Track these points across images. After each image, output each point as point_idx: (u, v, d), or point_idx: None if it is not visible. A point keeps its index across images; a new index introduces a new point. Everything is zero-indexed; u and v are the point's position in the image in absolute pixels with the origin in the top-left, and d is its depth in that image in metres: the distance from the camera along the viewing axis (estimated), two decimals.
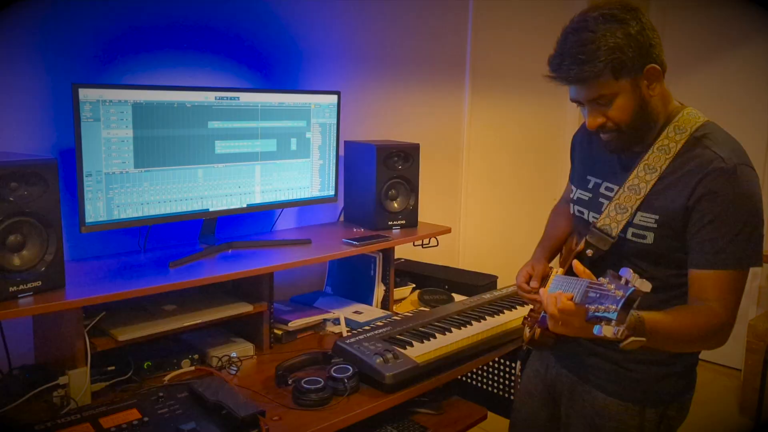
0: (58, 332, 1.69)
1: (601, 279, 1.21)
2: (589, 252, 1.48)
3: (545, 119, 3.60)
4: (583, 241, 1.51)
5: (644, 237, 1.42)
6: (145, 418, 1.50)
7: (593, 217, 1.55)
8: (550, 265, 1.75)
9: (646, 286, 1.15)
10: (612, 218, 1.46)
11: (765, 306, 3.95)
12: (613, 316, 1.13)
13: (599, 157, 1.58)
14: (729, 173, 1.33)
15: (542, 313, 1.60)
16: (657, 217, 1.41)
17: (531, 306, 1.77)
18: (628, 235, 1.45)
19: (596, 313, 1.17)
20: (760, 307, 3.98)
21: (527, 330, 1.75)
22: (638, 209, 1.42)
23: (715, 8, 4.11)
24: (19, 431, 1.44)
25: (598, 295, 1.19)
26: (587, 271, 1.31)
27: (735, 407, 3.67)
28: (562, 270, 1.61)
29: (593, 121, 1.41)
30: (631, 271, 1.17)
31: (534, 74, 3.52)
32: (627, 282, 1.15)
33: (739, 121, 4.01)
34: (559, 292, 1.30)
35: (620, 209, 1.44)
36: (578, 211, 1.62)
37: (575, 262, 1.33)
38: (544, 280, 1.66)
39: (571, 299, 1.26)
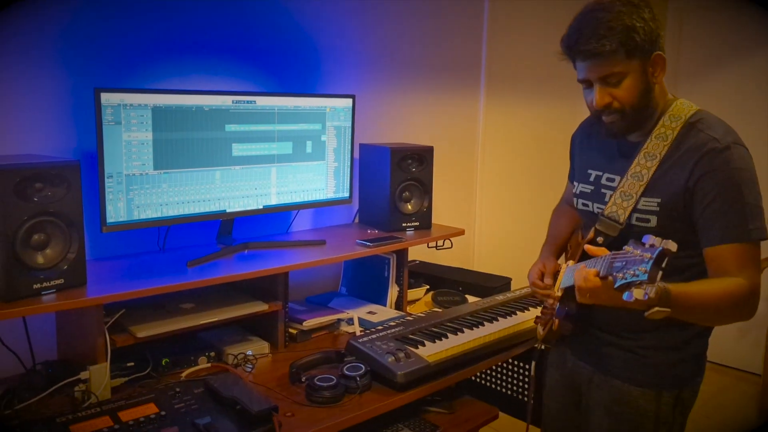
0: (80, 329, 1.75)
1: (625, 248, 1.25)
2: (600, 239, 1.54)
3: (560, 122, 3.60)
4: (593, 229, 1.56)
5: (648, 221, 1.48)
6: (162, 412, 1.54)
7: (597, 207, 1.61)
8: (558, 261, 1.79)
9: (672, 246, 1.18)
10: (618, 205, 1.52)
11: None
12: (644, 277, 1.17)
13: (598, 150, 1.66)
14: (724, 151, 1.40)
15: (557, 306, 1.65)
16: (659, 200, 1.47)
17: (543, 305, 1.80)
18: (633, 221, 1.50)
19: (625, 280, 1.21)
20: None
21: (540, 328, 1.78)
22: (642, 195, 1.49)
23: (733, 11, 4.08)
24: (41, 423, 1.49)
25: (624, 263, 1.23)
26: (602, 248, 1.38)
27: (754, 412, 3.63)
28: (573, 261, 1.66)
29: (601, 99, 1.46)
30: (653, 236, 1.21)
31: (549, 77, 3.57)
32: (652, 245, 1.20)
33: (755, 125, 3.99)
34: (583, 265, 1.38)
35: (625, 196, 1.51)
36: (582, 204, 1.68)
37: (587, 246, 1.41)
38: (555, 275, 1.71)
39: (596, 274, 1.32)
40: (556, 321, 1.63)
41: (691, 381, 1.61)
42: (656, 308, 1.26)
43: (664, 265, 1.18)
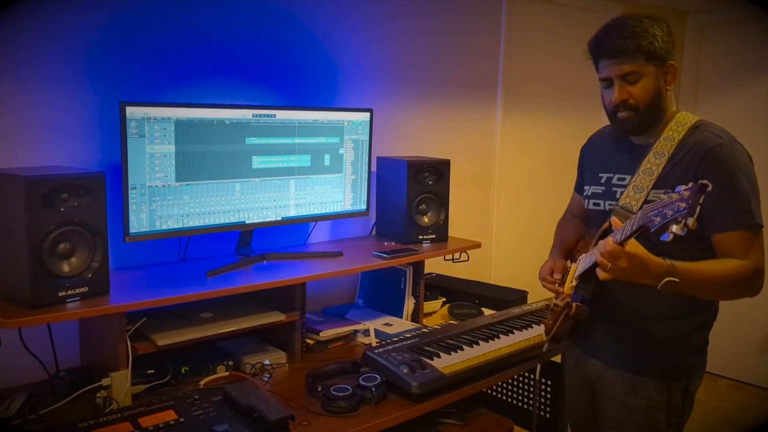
0: (102, 336, 1.79)
1: (661, 196, 1.37)
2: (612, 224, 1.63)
3: (576, 137, 3.59)
4: (608, 221, 1.66)
5: None
6: (181, 419, 1.57)
7: (609, 204, 1.75)
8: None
9: (707, 182, 1.28)
10: (631, 197, 1.66)
11: None
12: (683, 212, 1.27)
13: (608, 155, 1.82)
14: (727, 147, 1.58)
15: (573, 292, 1.73)
16: (668, 191, 1.55)
17: (553, 303, 1.89)
18: None
19: (661, 222, 1.31)
20: None
21: (546, 329, 1.85)
22: (652, 188, 1.63)
23: (751, 27, 4.07)
24: (64, 429, 1.52)
25: (659, 208, 1.33)
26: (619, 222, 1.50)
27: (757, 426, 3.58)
28: (584, 254, 1.75)
29: (620, 95, 1.63)
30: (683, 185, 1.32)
31: (566, 92, 3.58)
32: (686, 188, 1.30)
33: None
34: (603, 241, 1.48)
35: (637, 189, 1.66)
36: (593, 204, 1.81)
37: (613, 219, 1.54)
38: (564, 273, 1.85)
39: (623, 231, 1.44)
40: (573, 306, 1.69)
41: (697, 370, 1.72)
42: (667, 278, 1.42)
43: (701, 201, 1.27)
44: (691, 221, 1.26)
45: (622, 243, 1.44)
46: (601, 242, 1.49)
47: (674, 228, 1.28)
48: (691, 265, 1.49)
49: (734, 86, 4.17)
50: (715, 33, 4.23)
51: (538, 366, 1.96)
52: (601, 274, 1.49)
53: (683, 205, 1.27)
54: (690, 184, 1.30)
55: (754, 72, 4.09)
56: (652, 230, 1.33)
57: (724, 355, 4.07)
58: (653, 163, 1.64)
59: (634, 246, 1.44)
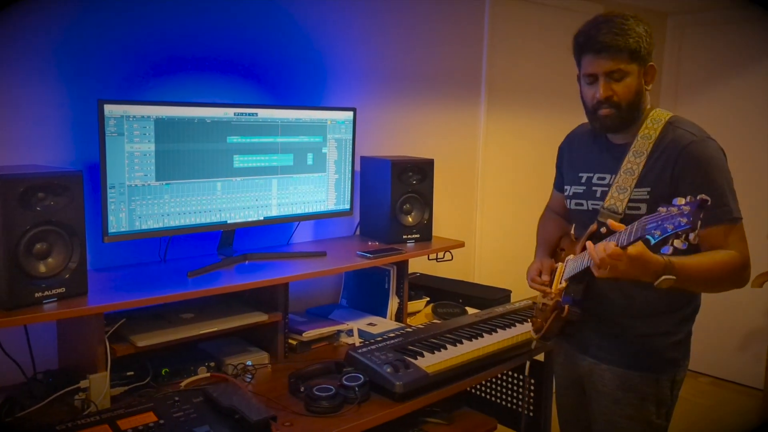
0: (80, 338, 1.76)
1: (659, 209, 1.37)
2: (603, 230, 1.67)
3: (559, 135, 3.62)
4: (595, 222, 1.71)
5: (638, 209, 1.65)
6: (161, 421, 1.55)
7: (592, 204, 1.77)
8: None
9: (707, 197, 1.30)
10: (616, 198, 1.69)
11: None
12: (686, 227, 1.29)
13: (586, 155, 1.84)
14: (700, 144, 1.62)
15: (563, 294, 1.76)
16: (649, 189, 1.65)
17: (541, 303, 1.90)
18: (628, 210, 1.66)
19: (662, 236, 1.33)
20: None
21: (534, 328, 1.88)
22: (635, 187, 1.66)
23: (732, 27, 4.11)
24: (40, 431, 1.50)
25: (658, 222, 1.35)
26: (621, 224, 1.51)
27: (755, 426, 3.61)
28: (573, 255, 1.78)
29: (605, 91, 1.65)
30: (681, 197, 1.35)
31: (549, 91, 3.59)
32: (684, 202, 1.32)
33: (754, 139, 4.01)
34: (605, 241, 1.50)
35: (621, 190, 1.68)
36: (576, 204, 1.84)
37: (610, 221, 1.54)
38: (551, 273, 1.87)
39: (626, 236, 1.45)
40: (566, 307, 1.73)
41: (683, 362, 1.77)
42: (664, 277, 1.45)
43: (701, 215, 1.29)
44: (693, 236, 1.29)
45: (624, 247, 1.45)
46: (600, 245, 1.50)
47: (675, 242, 1.31)
48: (686, 259, 1.52)
49: (714, 87, 4.21)
50: (695, 34, 4.28)
51: (527, 363, 2.01)
52: (596, 272, 1.51)
53: (684, 220, 1.29)
54: (689, 198, 1.32)
55: (733, 73, 4.14)
56: (652, 243, 1.35)
57: (705, 353, 4.11)
58: (633, 162, 1.67)
59: (635, 247, 1.45)
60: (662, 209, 1.36)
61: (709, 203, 1.30)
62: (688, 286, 1.57)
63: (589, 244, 1.54)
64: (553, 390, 2.10)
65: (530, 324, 2.28)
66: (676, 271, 1.48)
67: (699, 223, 1.29)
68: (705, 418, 3.70)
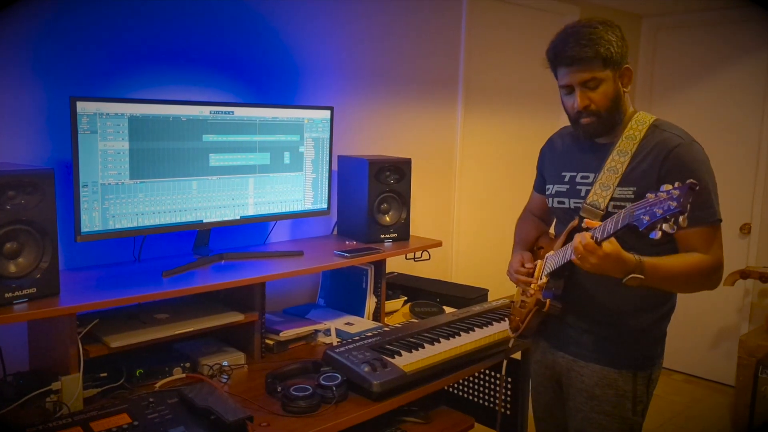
0: (52, 339, 1.73)
1: (648, 195, 1.39)
2: (584, 224, 1.66)
3: (537, 135, 3.64)
4: (577, 218, 1.74)
5: (624, 207, 1.60)
6: (135, 423, 1.53)
7: (574, 202, 1.79)
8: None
9: (694, 183, 1.33)
10: (599, 195, 1.71)
11: (756, 322, 3.98)
12: (677, 210, 1.31)
13: (570, 155, 1.86)
14: (688, 146, 1.65)
15: (544, 289, 1.77)
16: (634, 188, 1.66)
17: (521, 299, 1.92)
18: (611, 208, 1.68)
19: (653, 219, 1.34)
20: (751, 323, 4.01)
21: (512, 324, 1.91)
22: (618, 185, 1.68)
23: (705, 29, 4.19)
24: None
25: (646, 207, 1.37)
26: (598, 222, 1.54)
27: (728, 423, 3.68)
28: (552, 252, 1.79)
29: (582, 101, 1.68)
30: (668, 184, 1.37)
31: (526, 90, 3.62)
32: (672, 187, 1.34)
33: (728, 139, 4.08)
34: (583, 233, 1.53)
35: (603, 187, 1.71)
36: (558, 202, 1.85)
37: (586, 221, 1.59)
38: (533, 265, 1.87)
39: (604, 229, 1.49)
40: (548, 302, 1.75)
41: (658, 360, 1.80)
42: (632, 275, 1.49)
43: (691, 200, 1.32)
44: (682, 219, 1.32)
45: (600, 241, 1.49)
46: (577, 236, 1.54)
47: (664, 226, 1.33)
48: (657, 260, 1.56)
49: (687, 88, 4.28)
50: (669, 36, 4.34)
51: (504, 362, 2.01)
52: (581, 265, 1.55)
53: (674, 204, 1.32)
54: (677, 184, 1.35)
55: (706, 74, 4.21)
56: (641, 228, 1.37)
57: (679, 350, 4.18)
58: (617, 161, 1.70)
59: (610, 244, 1.49)
60: (651, 195, 1.39)
61: (698, 188, 1.32)
62: (657, 284, 1.59)
63: (576, 237, 1.56)
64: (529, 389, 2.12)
65: (507, 323, 2.31)
66: (645, 271, 1.52)
67: (688, 206, 1.31)
68: (679, 414, 3.76)
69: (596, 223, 1.54)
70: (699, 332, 4.20)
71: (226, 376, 1.92)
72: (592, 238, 1.50)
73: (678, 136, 1.67)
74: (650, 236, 1.36)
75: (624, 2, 3.98)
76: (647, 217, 1.36)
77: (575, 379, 1.81)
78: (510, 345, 2.04)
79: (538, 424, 2.03)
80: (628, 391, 1.75)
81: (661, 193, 1.36)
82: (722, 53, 4.13)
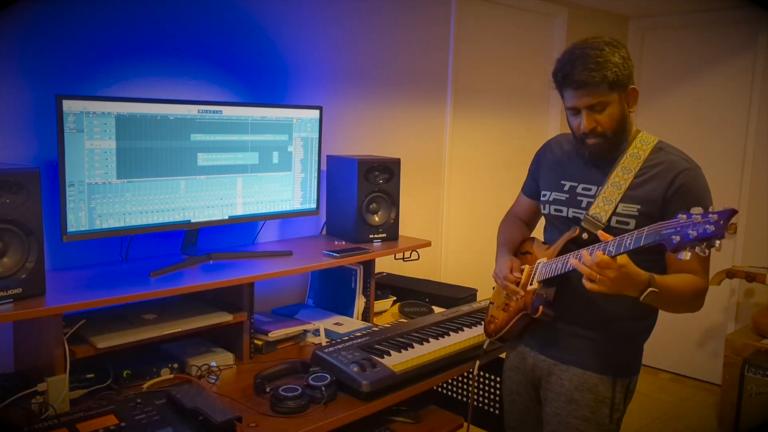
0: (38, 339, 1.71)
1: (680, 216, 1.37)
2: (585, 236, 1.71)
3: (525, 135, 3.67)
4: (577, 228, 1.74)
5: (627, 224, 1.68)
6: (123, 424, 1.52)
7: (574, 212, 1.79)
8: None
9: (735, 209, 1.32)
10: (601, 208, 1.72)
11: (742, 321, 4.01)
12: (713, 234, 1.31)
13: (570, 165, 1.85)
14: (694, 172, 1.68)
15: (534, 298, 1.77)
16: (639, 206, 1.67)
17: (503, 304, 1.91)
18: (613, 223, 1.69)
19: (686, 240, 1.33)
20: (737, 322, 4.04)
21: (497, 321, 1.90)
22: (620, 201, 1.69)
23: (692, 30, 4.22)
24: None
25: (677, 228, 1.36)
26: (610, 235, 1.53)
27: (714, 422, 3.71)
28: (546, 258, 1.79)
29: (588, 124, 1.68)
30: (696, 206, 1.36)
31: (514, 92, 3.63)
32: (705, 213, 1.33)
33: (714, 139, 4.12)
34: (585, 251, 1.53)
35: (606, 201, 1.72)
36: (555, 209, 1.84)
37: (600, 233, 1.56)
38: (520, 272, 1.86)
39: (620, 244, 1.47)
40: (540, 308, 1.74)
41: (636, 371, 1.81)
42: (650, 289, 1.49)
43: (730, 222, 1.32)
44: (718, 244, 1.32)
45: (615, 255, 1.47)
46: (584, 252, 1.53)
47: (697, 249, 1.33)
48: (663, 278, 1.56)
49: (674, 90, 4.31)
50: (656, 38, 4.38)
51: (477, 363, 2.02)
52: (588, 285, 1.51)
53: (712, 228, 1.31)
54: (711, 208, 1.35)
55: (692, 76, 4.24)
56: (669, 249, 1.37)
57: (665, 349, 4.21)
58: (621, 177, 1.71)
59: (623, 258, 1.48)
60: (683, 216, 1.37)
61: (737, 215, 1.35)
62: (661, 301, 1.59)
63: (584, 254, 1.54)
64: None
65: (483, 326, 2.30)
66: (657, 286, 1.52)
67: (725, 233, 1.31)
68: (665, 413, 3.78)
69: (610, 237, 1.52)
70: (685, 331, 4.24)
71: (215, 377, 1.91)
72: (604, 252, 1.48)
73: (685, 160, 1.69)
74: (678, 257, 1.35)
75: (611, 3, 4.00)
76: (678, 237, 1.35)
77: (555, 382, 1.80)
78: (484, 347, 2.01)
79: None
80: (607, 397, 1.74)
81: (696, 216, 1.34)
82: (709, 55, 4.16)
